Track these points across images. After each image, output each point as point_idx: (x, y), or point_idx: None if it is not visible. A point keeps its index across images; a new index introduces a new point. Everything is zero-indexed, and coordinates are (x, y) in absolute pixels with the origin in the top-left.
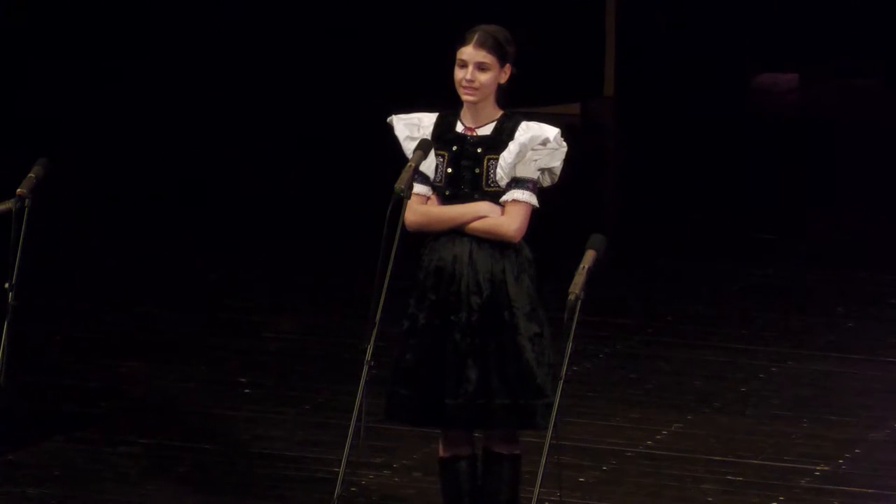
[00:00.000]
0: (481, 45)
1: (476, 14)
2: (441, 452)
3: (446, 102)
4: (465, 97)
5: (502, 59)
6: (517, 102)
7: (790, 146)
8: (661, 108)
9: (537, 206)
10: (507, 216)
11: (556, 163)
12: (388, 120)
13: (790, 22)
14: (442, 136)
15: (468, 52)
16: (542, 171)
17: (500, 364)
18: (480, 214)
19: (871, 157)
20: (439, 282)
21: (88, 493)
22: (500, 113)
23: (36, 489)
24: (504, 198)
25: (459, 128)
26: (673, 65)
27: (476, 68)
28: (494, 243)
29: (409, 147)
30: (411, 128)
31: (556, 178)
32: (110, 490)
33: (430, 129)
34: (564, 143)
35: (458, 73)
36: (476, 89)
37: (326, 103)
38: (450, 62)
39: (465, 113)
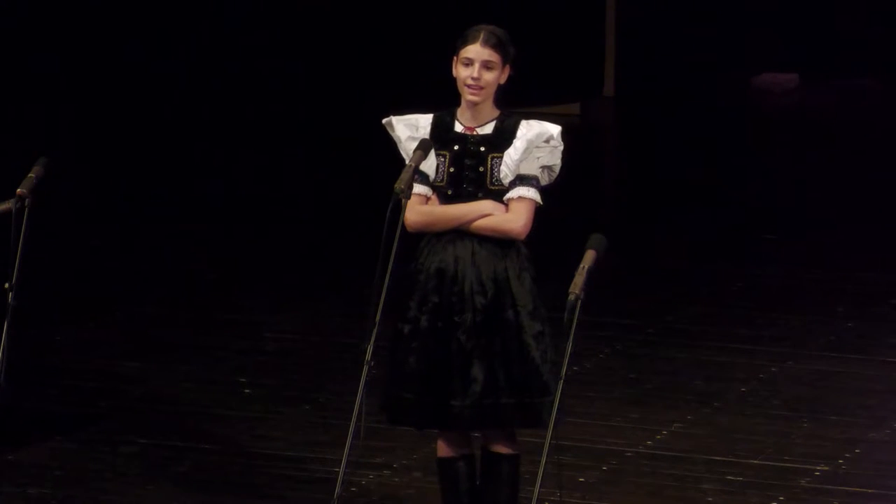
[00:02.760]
0: (487, 43)
1: (476, 14)
2: (440, 453)
3: (443, 102)
4: (469, 97)
5: (505, 59)
6: (517, 102)
7: (790, 146)
8: (660, 107)
9: (542, 203)
10: (513, 213)
11: (557, 160)
12: (385, 121)
13: (790, 22)
14: (441, 137)
15: (475, 51)
16: (543, 168)
17: (505, 363)
18: (484, 213)
19: (871, 157)
20: (441, 283)
21: (88, 492)
22: (498, 112)
23: (36, 489)
24: (509, 195)
25: (459, 128)
26: (673, 64)
27: (482, 67)
28: (496, 243)
29: (409, 147)
30: (411, 128)
31: (555, 176)
32: (110, 490)
33: (428, 129)
34: (562, 141)
35: (464, 72)
36: (482, 88)
37: (326, 102)
38: (448, 61)
39: (462, 113)
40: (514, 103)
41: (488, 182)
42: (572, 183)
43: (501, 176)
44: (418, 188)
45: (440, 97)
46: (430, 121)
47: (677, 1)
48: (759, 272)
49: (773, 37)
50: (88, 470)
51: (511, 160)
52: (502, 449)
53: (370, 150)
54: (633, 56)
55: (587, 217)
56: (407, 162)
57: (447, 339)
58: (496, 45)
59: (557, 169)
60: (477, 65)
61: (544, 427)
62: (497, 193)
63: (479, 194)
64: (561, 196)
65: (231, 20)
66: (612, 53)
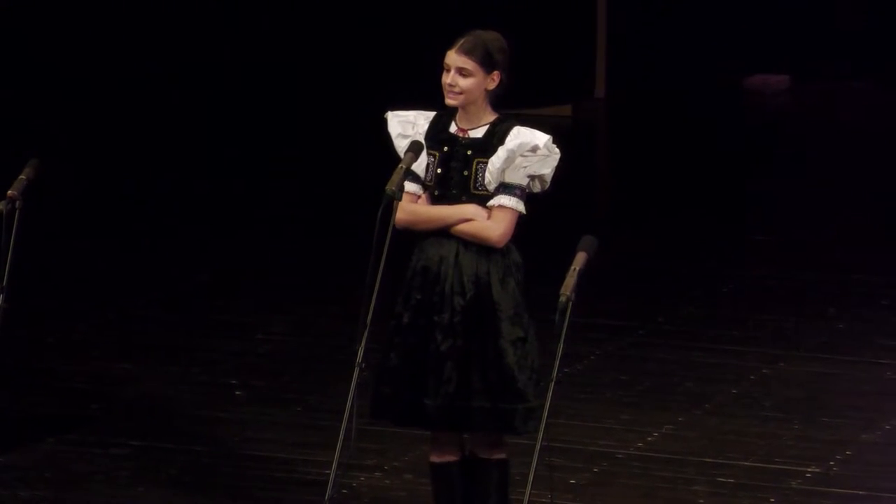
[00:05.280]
0: (464, 50)
1: (469, 15)
2: (432, 456)
3: (442, 104)
4: (447, 101)
5: (488, 67)
6: (508, 104)
7: (781, 148)
8: (652, 109)
9: (524, 212)
10: (493, 221)
11: (547, 170)
12: (385, 115)
13: (781, 23)
14: (435, 136)
15: (451, 57)
16: (532, 177)
17: (481, 367)
18: (466, 217)
19: (863, 159)
20: (425, 282)
21: (79, 494)
22: (494, 116)
23: (27, 491)
24: (491, 203)
25: (453, 128)
26: (664, 66)
27: (457, 73)
28: (481, 246)
29: (400, 145)
30: (405, 125)
31: (547, 185)
32: (101, 492)
33: (425, 127)
34: (556, 150)
35: (443, 77)
36: (458, 94)
37: (321, 104)
38: (441, 64)
39: (460, 114)
40: (505, 105)
41: (472, 186)
42: (563, 184)
43: (485, 182)
44: (409, 186)
45: (440, 100)
46: (430, 119)
47: (668, 3)
48: (751, 273)
49: (765, 38)
50: (79, 472)
51: (494, 167)
52: (488, 454)
53: (364, 151)
54: (624, 58)
55: (578, 219)
56: (400, 163)
57: (426, 337)
58: (473, 53)
59: (549, 178)
60: (452, 70)
61: (516, 433)
62: (481, 198)
63: (464, 197)
64: (552, 197)
65: (230, 19)
66: (603, 55)
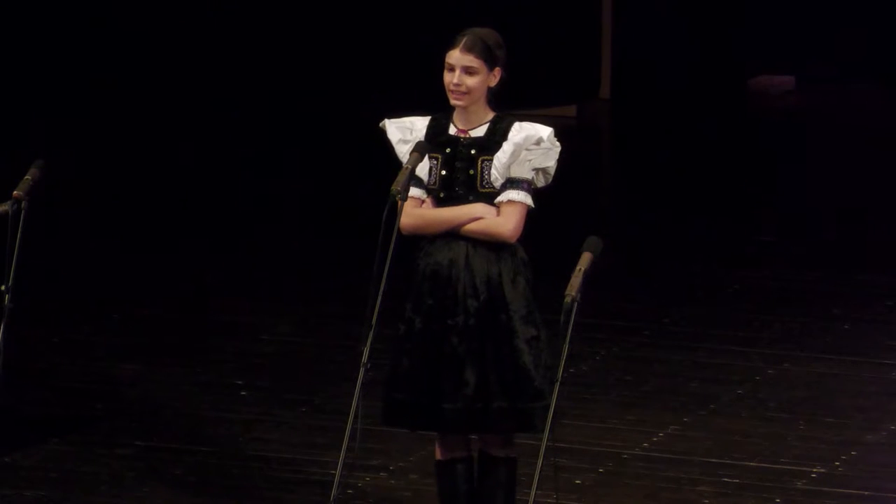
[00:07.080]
0: (468, 48)
1: (472, 15)
2: (437, 455)
3: (441, 104)
4: (453, 102)
5: (491, 63)
6: (513, 104)
7: (786, 149)
8: (657, 110)
9: (533, 206)
10: (503, 216)
11: (550, 162)
12: (381, 124)
13: (786, 24)
14: (435, 139)
15: (455, 56)
16: (537, 171)
17: (497, 368)
18: (475, 216)
19: (868, 160)
20: (436, 286)
21: (84, 495)
22: (492, 114)
23: (32, 491)
24: (499, 198)
25: (452, 130)
26: (669, 67)
27: (463, 72)
28: (490, 246)
29: (401, 150)
30: (403, 131)
31: (550, 179)
32: (106, 493)
33: (423, 132)
34: (557, 143)
35: (447, 77)
36: (464, 93)
37: (324, 104)
38: (442, 64)
39: (457, 115)
40: (509, 105)
41: (479, 185)
42: (568, 185)
43: (492, 179)
44: (413, 191)
45: (439, 99)
46: (426, 123)
47: (673, 3)
48: (756, 274)
49: (770, 39)
50: (84, 473)
51: (500, 163)
52: (499, 452)
53: (367, 151)
54: (629, 58)
55: (583, 219)
56: (403, 164)
57: (440, 341)
58: (479, 50)
59: (552, 170)
60: (458, 70)
61: (536, 432)
62: (488, 196)
63: (471, 197)
64: (557, 198)
65: (231, 20)
66: (609, 56)
